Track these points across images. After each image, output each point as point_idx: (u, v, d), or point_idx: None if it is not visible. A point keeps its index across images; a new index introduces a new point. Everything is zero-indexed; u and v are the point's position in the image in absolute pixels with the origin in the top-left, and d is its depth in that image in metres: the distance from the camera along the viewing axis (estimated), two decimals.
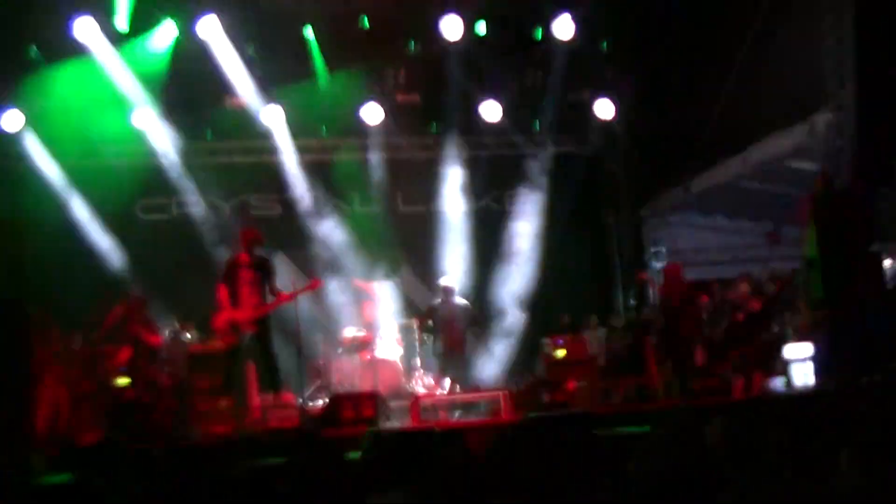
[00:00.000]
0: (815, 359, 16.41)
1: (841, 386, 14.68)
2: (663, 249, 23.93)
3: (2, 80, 18.29)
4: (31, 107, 18.98)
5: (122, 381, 15.73)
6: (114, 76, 19.21)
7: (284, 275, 16.83)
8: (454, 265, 20.66)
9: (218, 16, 19.20)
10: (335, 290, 19.66)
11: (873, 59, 15.35)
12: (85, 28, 18.59)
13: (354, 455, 9.24)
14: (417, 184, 21.97)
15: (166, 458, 7.50)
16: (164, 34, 19.35)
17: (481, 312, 19.18)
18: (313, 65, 20.41)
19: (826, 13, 16.01)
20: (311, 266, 19.21)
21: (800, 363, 16.86)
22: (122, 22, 18.85)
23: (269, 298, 14.84)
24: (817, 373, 16.23)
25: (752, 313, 17.32)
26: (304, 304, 16.22)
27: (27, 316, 14.33)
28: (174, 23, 19.25)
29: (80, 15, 18.47)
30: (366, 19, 19.90)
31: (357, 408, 14.16)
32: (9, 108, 18.66)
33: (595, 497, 5.40)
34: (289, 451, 10.80)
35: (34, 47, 18.70)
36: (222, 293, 14.68)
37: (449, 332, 17.59)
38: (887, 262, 16.98)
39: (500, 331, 20.04)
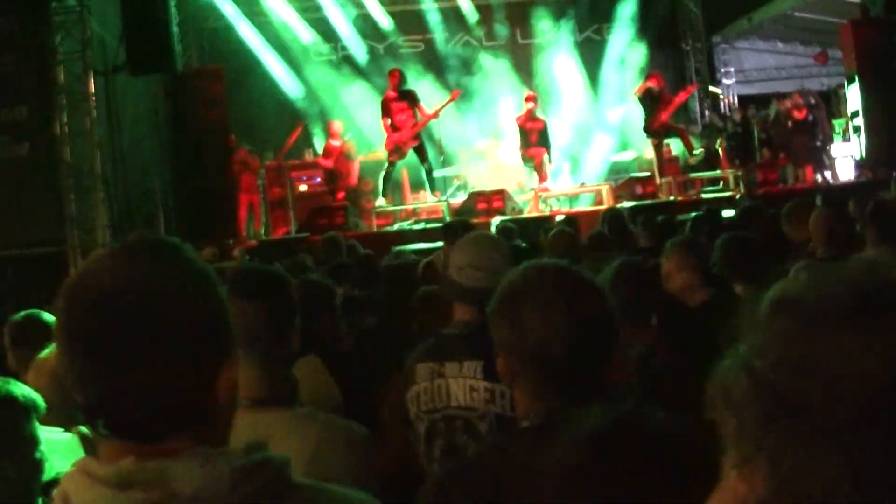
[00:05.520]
0: (853, 157, 16.37)
1: (874, 178, 14.70)
2: (732, 69, 23.73)
3: None
4: None
5: (304, 187, 16.26)
6: None
7: (431, 96, 16.86)
8: (565, 86, 20.56)
9: None
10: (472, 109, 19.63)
11: None
12: None
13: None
14: (531, 21, 21.71)
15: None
16: None
17: None
18: None
19: None
20: (450, 86, 18.91)
21: (842, 160, 16.82)
22: None
23: (419, 118, 14.94)
24: (855, 167, 16.21)
25: (803, 119, 17.17)
26: (446, 121, 16.16)
27: (228, 141, 15.06)
28: None
29: None
30: None
31: (489, 201, 14.55)
32: None
33: None
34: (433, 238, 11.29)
35: None
36: (384, 124, 14.90)
37: None
38: None
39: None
